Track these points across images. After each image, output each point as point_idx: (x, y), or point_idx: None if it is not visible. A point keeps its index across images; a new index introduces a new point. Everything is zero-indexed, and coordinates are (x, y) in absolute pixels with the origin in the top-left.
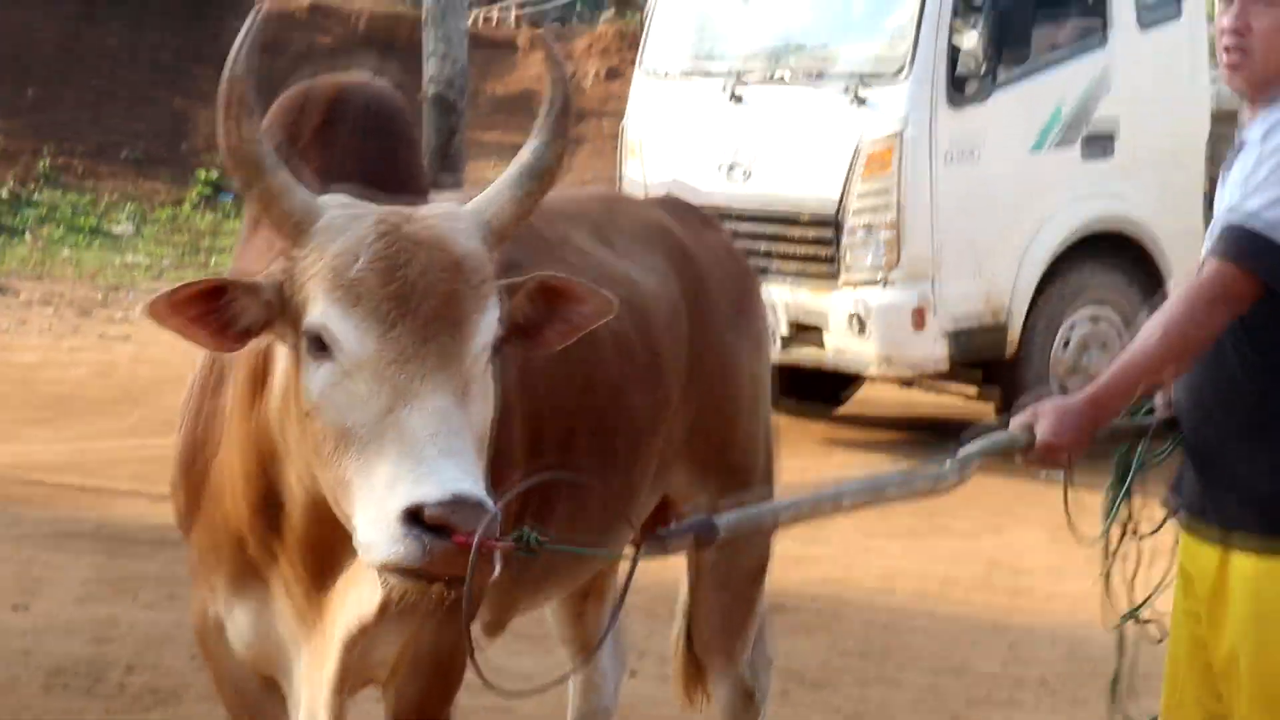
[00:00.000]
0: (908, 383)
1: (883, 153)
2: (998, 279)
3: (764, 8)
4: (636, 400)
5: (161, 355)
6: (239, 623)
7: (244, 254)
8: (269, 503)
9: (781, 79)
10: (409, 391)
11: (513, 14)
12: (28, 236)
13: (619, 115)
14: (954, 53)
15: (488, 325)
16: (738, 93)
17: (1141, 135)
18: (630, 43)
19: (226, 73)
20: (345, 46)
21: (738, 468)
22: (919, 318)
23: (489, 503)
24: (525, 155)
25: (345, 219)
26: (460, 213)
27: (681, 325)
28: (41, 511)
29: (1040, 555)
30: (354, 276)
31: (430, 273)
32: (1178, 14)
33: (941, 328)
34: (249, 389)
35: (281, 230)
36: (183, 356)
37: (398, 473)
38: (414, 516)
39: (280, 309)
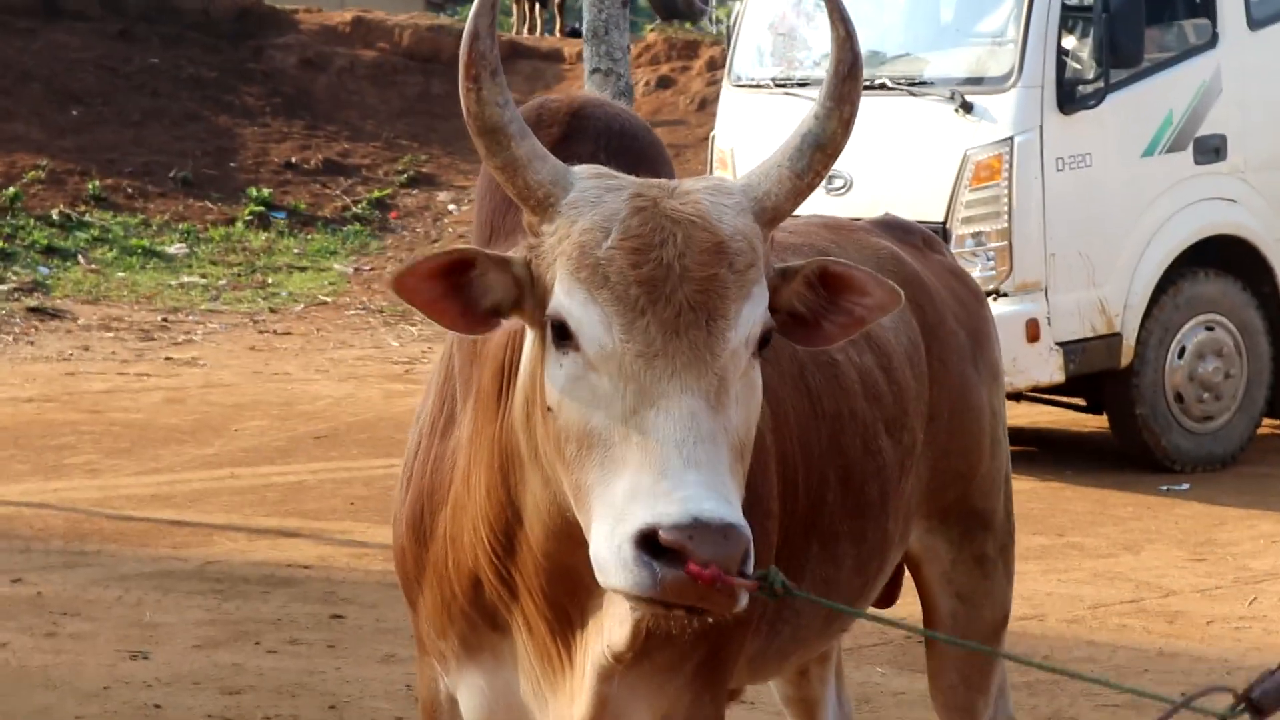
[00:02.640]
0: (1015, 396)
1: (992, 161)
2: (1112, 288)
3: (860, 14)
4: (886, 445)
5: (231, 379)
6: (475, 689)
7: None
8: (509, 521)
9: (882, 87)
10: (656, 391)
11: (556, 24)
12: (80, 260)
13: (673, 123)
14: (1062, 57)
15: (751, 316)
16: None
17: (1253, 138)
18: (680, 51)
19: (467, 31)
20: (389, 61)
21: (979, 512)
22: (1033, 329)
23: (738, 524)
24: (808, 124)
25: (598, 190)
26: (730, 187)
27: (921, 363)
28: (140, 550)
29: (1185, 575)
30: (602, 256)
31: (689, 254)
32: None
33: (1055, 339)
34: (494, 387)
35: (527, 204)
36: (253, 380)
37: (637, 486)
38: (649, 539)
39: (530, 288)
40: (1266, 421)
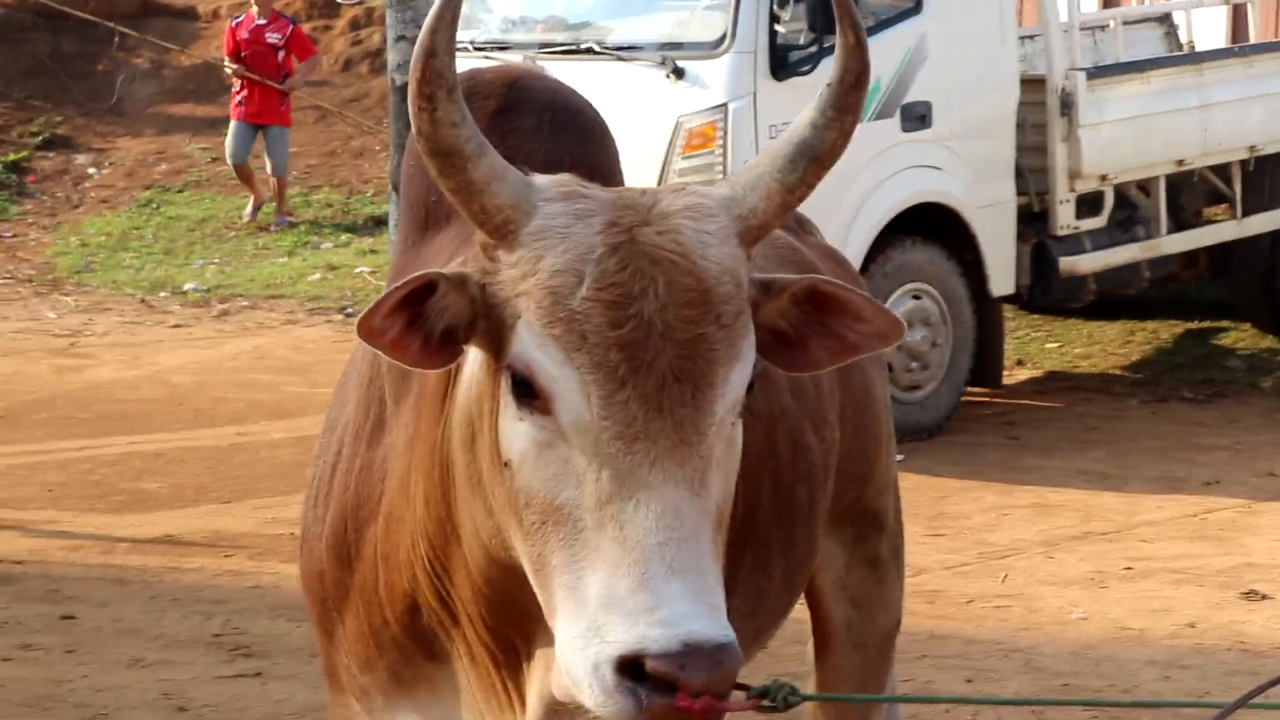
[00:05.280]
0: None
1: (705, 128)
2: None
3: None
4: (813, 443)
5: None
6: None
7: (412, 265)
8: (449, 538)
9: (589, 51)
10: (636, 479)
11: None
12: None
13: (317, 84)
14: (774, 23)
15: (740, 379)
16: (539, 66)
17: (956, 105)
18: (320, 10)
19: (421, 45)
20: (15, 18)
21: (873, 513)
22: None
23: (729, 643)
24: (803, 132)
25: (567, 219)
26: (711, 206)
27: None
28: None
29: (930, 552)
30: (577, 309)
31: (672, 308)
32: None
33: None
34: (441, 387)
35: (484, 227)
36: None
37: (613, 591)
38: (632, 664)
39: (483, 313)
40: (969, 389)
